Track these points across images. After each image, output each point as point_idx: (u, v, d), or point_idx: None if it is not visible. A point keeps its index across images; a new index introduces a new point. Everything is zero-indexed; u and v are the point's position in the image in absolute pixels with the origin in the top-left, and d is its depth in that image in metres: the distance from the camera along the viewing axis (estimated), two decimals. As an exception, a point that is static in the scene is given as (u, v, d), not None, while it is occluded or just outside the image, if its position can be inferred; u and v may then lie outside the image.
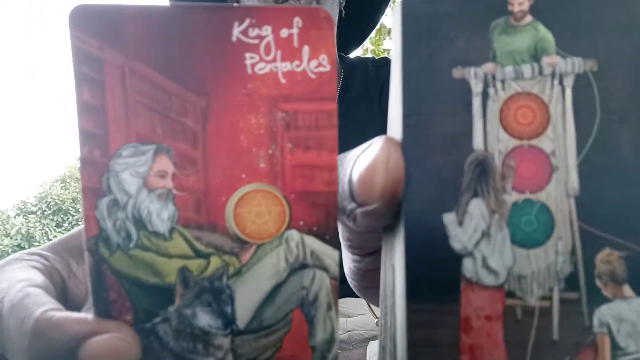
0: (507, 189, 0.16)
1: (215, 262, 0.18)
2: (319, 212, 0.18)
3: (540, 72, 0.16)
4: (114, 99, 0.17)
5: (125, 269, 0.18)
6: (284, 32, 0.17)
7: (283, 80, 0.17)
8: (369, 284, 0.23)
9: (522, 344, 0.16)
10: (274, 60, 0.17)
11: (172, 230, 0.17)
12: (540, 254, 0.16)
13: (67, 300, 0.23)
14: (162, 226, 0.17)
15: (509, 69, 0.16)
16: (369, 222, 0.17)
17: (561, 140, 0.16)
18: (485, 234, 0.16)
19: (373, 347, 0.45)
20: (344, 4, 0.64)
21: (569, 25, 0.16)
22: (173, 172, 0.17)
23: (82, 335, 0.17)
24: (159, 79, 0.17)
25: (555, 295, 0.16)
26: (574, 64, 0.16)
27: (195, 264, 0.18)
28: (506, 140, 0.16)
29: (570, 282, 0.16)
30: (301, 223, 0.18)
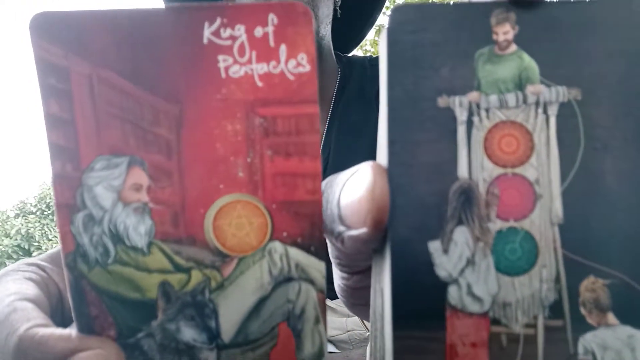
0: (492, 217, 0.16)
1: (196, 276, 0.17)
2: (303, 223, 0.17)
3: (525, 101, 0.16)
4: (83, 110, 0.16)
5: (105, 285, 0.17)
6: (259, 31, 0.16)
7: (260, 84, 0.16)
8: (358, 301, 0.23)
9: None
10: (249, 62, 0.16)
11: (150, 244, 0.17)
12: (525, 282, 0.15)
13: (64, 311, 0.23)
14: (139, 241, 0.17)
15: (494, 98, 0.16)
16: (356, 245, 0.17)
17: (545, 168, 0.16)
18: (470, 262, 0.15)
19: (373, 347, 0.44)
20: (339, 4, 0.62)
21: (553, 54, 0.16)
22: (148, 184, 0.16)
23: (65, 353, 0.17)
24: (129, 87, 0.16)
25: (540, 323, 0.16)
26: (558, 93, 0.16)
27: (176, 279, 0.17)
28: (490, 169, 0.16)
29: (555, 309, 0.15)
30: (285, 234, 0.17)
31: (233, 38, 0.16)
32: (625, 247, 0.15)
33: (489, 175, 0.16)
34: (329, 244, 0.19)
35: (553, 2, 0.15)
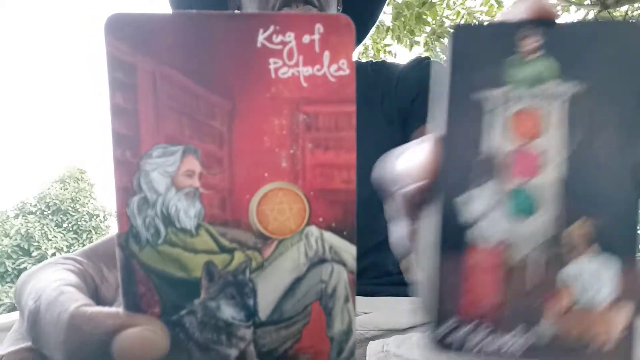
0: (509, 178, 0.20)
1: (238, 256, 0.19)
2: (338, 209, 0.19)
3: (543, 93, 0.20)
4: (145, 102, 0.18)
5: (154, 264, 0.18)
6: (306, 38, 0.18)
7: (305, 84, 0.18)
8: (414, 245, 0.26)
9: (515, 285, 0.20)
10: (296, 64, 0.18)
11: (198, 226, 0.18)
12: (530, 223, 0.20)
13: (99, 303, 0.24)
14: (189, 223, 0.18)
15: (519, 91, 0.20)
16: (410, 198, 0.21)
17: (553, 142, 0.20)
18: (490, 209, 0.20)
19: (373, 347, 0.45)
20: (341, 10, 0.64)
21: (569, 57, 0.20)
22: (200, 171, 0.18)
23: (114, 328, 0.18)
24: (188, 83, 0.18)
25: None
26: (569, 87, 0.20)
27: (220, 259, 0.19)
28: (510, 143, 0.20)
29: (553, 243, 0.20)
30: (320, 219, 0.19)
31: (283, 43, 0.18)
32: (609, 196, 0.20)
33: (509, 147, 0.20)
34: (389, 204, 0.24)
35: (571, 21, 0.20)
